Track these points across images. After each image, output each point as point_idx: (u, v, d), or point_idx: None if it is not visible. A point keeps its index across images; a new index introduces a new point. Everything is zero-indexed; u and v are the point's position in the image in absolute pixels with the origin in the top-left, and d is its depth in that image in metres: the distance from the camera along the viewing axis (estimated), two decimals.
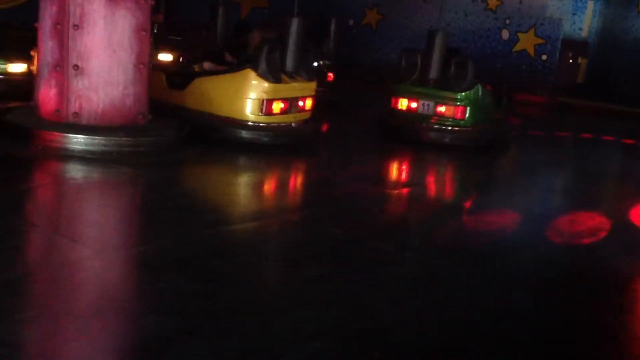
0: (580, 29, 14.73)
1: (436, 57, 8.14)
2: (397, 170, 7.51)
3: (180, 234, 4.29)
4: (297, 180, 6.13)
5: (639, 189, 7.68)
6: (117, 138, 6.01)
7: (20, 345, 2.85)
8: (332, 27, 10.36)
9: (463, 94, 8.07)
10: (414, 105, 8.16)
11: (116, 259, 3.86)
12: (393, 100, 8.31)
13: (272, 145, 6.86)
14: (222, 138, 6.81)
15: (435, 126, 8.08)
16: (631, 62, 14.59)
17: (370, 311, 3.46)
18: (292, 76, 7.08)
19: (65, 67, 6.10)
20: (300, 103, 7.14)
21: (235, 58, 7.43)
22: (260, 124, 6.82)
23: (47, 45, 6.18)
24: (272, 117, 6.86)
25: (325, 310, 3.41)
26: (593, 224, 5.62)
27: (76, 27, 6.03)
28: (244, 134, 6.80)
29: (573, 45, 14.53)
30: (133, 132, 6.20)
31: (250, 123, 6.80)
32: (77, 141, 5.91)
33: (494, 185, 7.02)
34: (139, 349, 2.91)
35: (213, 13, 8.93)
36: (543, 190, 7.03)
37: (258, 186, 6.06)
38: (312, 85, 7.33)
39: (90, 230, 4.34)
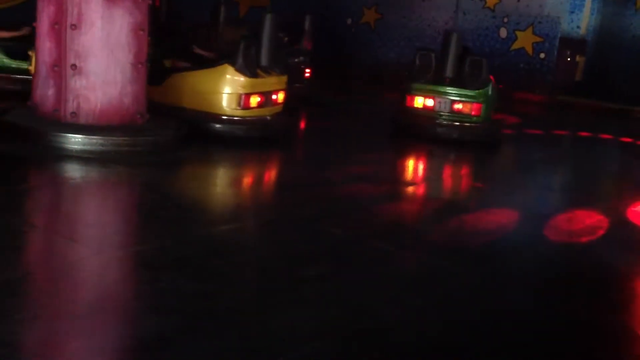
0: (578, 27, 14.72)
1: (452, 56, 8.43)
2: (405, 168, 7.52)
3: (179, 234, 4.28)
4: (296, 180, 6.12)
5: (638, 187, 7.68)
6: (115, 138, 6.00)
7: (20, 345, 2.84)
8: (307, 23, 10.36)
9: (479, 91, 8.32)
10: (430, 103, 8.35)
11: (115, 259, 3.85)
12: (408, 98, 8.46)
13: (249, 139, 7.02)
14: (200, 133, 6.90)
15: (451, 123, 8.30)
16: (629, 60, 14.59)
17: (370, 311, 3.46)
18: (267, 70, 7.27)
19: (63, 66, 6.09)
20: (274, 97, 7.32)
21: (208, 53, 7.55)
22: (238, 118, 6.97)
23: (45, 45, 6.17)
24: (250, 110, 7.02)
25: (324, 310, 3.40)
26: (592, 222, 5.62)
27: (74, 26, 6.02)
28: (222, 128, 6.92)
29: (571, 43, 14.51)
30: (131, 132, 6.19)
31: (228, 117, 6.93)
32: (75, 141, 5.89)
33: (494, 184, 7.01)
34: (139, 349, 2.90)
35: (214, 12, 8.92)
36: (542, 189, 7.03)
37: (257, 185, 6.06)
38: (284, 79, 7.54)
39: (89, 230, 4.33)
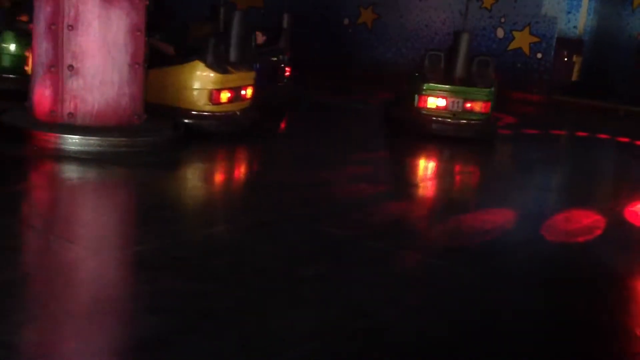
0: (575, 27, 14.74)
1: (463, 56, 8.66)
2: (411, 167, 7.53)
3: (177, 234, 4.28)
4: (295, 180, 6.11)
5: (635, 187, 7.69)
6: (112, 138, 5.99)
7: (18, 346, 2.83)
8: (285, 22, 10.37)
9: (489, 89, 8.55)
10: (442, 103, 8.48)
11: (113, 260, 3.85)
12: (421, 99, 8.53)
13: (218, 134, 7.13)
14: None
15: (462, 121, 8.51)
16: (626, 60, 14.60)
17: (369, 311, 3.46)
18: (236, 67, 7.41)
19: (60, 67, 6.08)
20: (243, 92, 7.47)
21: (167, 47, 7.65)
22: (208, 113, 7.08)
23: (41, 45, 6.15)
24: (219, 106, 7.15)
25: (323, 310, 3.40)
26: (590, 222, 5.62)
27: (71, 27, 6.01)
28: (192, 123, 6.96)
29: (568, 43, 14.53)
30: (128, 132, 6.18)
31: (198, 112, 7.01)
32: (73, 142, 5.89)
33: (493, 184, 7.01)
34: (138, 349, 2.90)
35: (213, 13, 8.91)
36: (540, 189, 7.03)
37: (255, 185, 6.05)
38: (252, 74, 7.69)
39: (87, 231, 4.32)
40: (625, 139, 10.69)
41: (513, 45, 14.49)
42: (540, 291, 4.05)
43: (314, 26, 16.34)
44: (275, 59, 9.79)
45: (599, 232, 5.37)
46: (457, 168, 7.84)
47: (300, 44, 16.12)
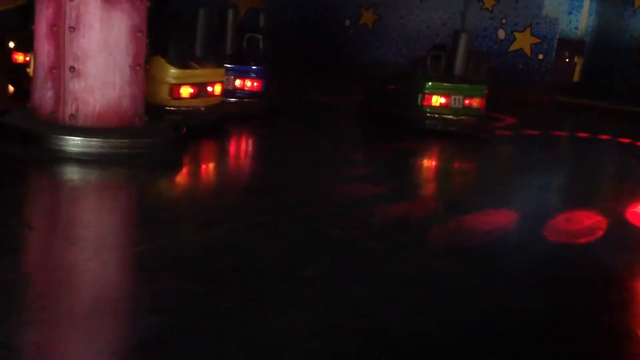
0: (577, 28, 14.74)
1: (461, 55, 9.05)
2: (410, 166, 7.53)
3: (177, 235, 4.29)
4: (295, 179, 6.12)
5: (636, 187, 7.69)
6: (113, 140, 6.00)
7: (19, 347, 2.84)
8: (262, 21, 10.37)
9: (485, 86, 9.05)
10: (443, 100, 8.85)
11: (114, 260, 3.86)
12: (426, 97, 8.82)
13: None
14: None
15: (461, 118, 8.91)
16: (627, 60, 14.60)
17: (369, 310, 3.46)
18: (201, 63, 7.51)
19: (61, 69, 6.09)
20: (210, 88, 7.55)
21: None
22: (172, 108, 7.18)
23: (43, 47, 6.17)
24: (182, 101, 7.25)
25: (323, 310, 3.40)
26: (591, 223, 5.62)
27: (72, 29, 6.02)
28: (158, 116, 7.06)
29: (569, 44, 14.54)
30: (129, 134, 6.19)
31: (161, 107, 7.12)
32: (74, 143, 5.89)
33: (494, 184, 7.01)
34: (138, 350, 2.90)
35: (222, 17, 8.91)
36: (540, 189, 7.03)
37: (256, 185, 6.05)
38: (221, 71, 7.78)
39: (88, 232, 4.33)
40: (627, 140, 10.69)
41: (514, 47, 14.50)
42: (541, 291, 4.06)
43: (315, 27, 16.36)
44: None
45: (600, 232, 5.37)
46: (458, 168, 7.84)
47: (301, 45, 16.16)
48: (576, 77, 14.94)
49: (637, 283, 4.53)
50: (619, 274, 4.49)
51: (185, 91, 7.27)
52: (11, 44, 8.75)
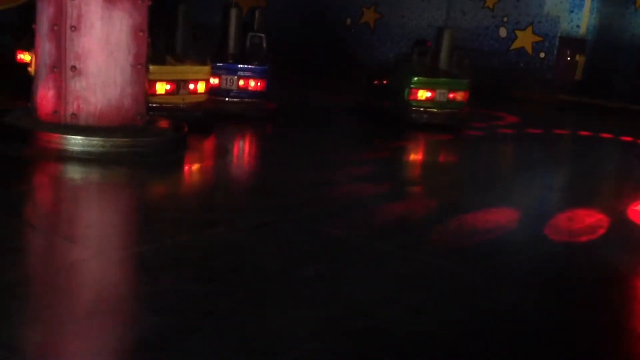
0: (578, 26, 14.73)
1: (445, 51, 9.42)
2: (405, 162, 7.53)
3: (178, 235, 4.29)
4: (294, 179, 6.12)
5: (637, 186, 7.68)
6: (115, 139, 6.01)
7: (19, 347, 2.85)
8: (256, 19, 10.35)
9: (468, 80, 9.42)
10: (428, 94, 9.21)
11: (115, 260, 3.86)
12: (413, 91, 9.18)
13: None
14: None
15: (444, 111, 9.30)
16: (629, 59, 14.59)
17: (369, 311, 3.46)
18: (180, 59, 7.49)
19: (62, 68, 6.10)
20: (191, 86, 7.53)
21: None
22: (151, 104, 7.10)
23: (44, 46, 6.17)
24: (157, 97, 7.22)
25: (324, 310, 3.41)
26: (592, 221, 5.62)
27: (73, 28, 6.03)
28: None
29: (571, 42, 14.53)
30: (131, 133, 6.20)
31: None
32: (75, 142, 5.90)
33: (495, 183, 7.01)
34: (139, 350, 2.91)
35: (224, 16, 8.91)
36: (542, 188, 7.03)
37: (256, 185, 6.06)
38: (205, 69, 7.75)
39: (89, 232, 4.34)
40: (629, 138, 10.69)
41: (516, 45, 14.49)
42: (541, 291, 4.06)
43: (316, 26, 16.35)
44: None
45: (601, 231, 5.37)
46: (458, 167, 7.84)
47: (302, 43, 16.16)
48: (577, 75, 14.93)
49: (638, 282, 4.53)
50: (621, 273, 4.49)
51: (161, 87, 7.26)
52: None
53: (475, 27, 14.76)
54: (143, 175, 5.78)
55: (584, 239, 5.17)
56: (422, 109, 9.20)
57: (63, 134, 5.93)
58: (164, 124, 6.71)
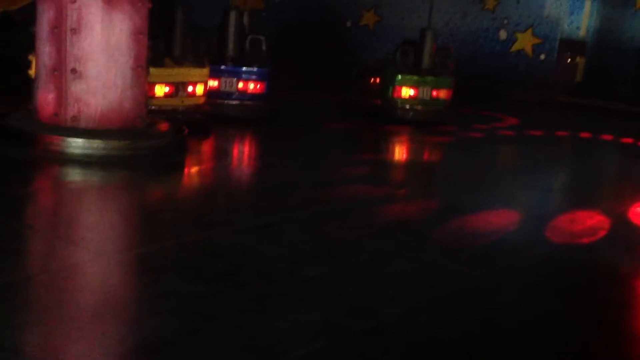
0: (578, 28, 14.74)
1: (428, 49, 9.81)
2: (402, 160, 7.53)
3: (179, 236, 4.29)
4: (294, 180, 6.12)
5: (638, 187, 7.68)
6: (115, 141, 6.01)
7: (20, 349, 2.84)
8: (245, 20, 10.38)
9: (451, 78, 9.83)
10: (412, 92, 9.52)
11: (116, 262, 3.86)
12: (397, 89, 9.49)
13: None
14: None
15: (428, 108, 9.67)
16: (629, 61, 14.60)
17: (371, 311, 3.46)
18: (179, 62, 7.50)
19: (63, 71, 6.11)
20: (190, 88, 7.55)
21: None
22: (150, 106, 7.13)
23: (44, 49, 6.18)
24: (156, 99, 7.23)
25: (325, 310, 3.40)
26: (593, 223, 5.62)
27: (74, 31, 6.03)
28: None
29: (571, 44, 14.55)
30: (131, 136, 6.20)
31: None
32: (76, 145, 5.91)
33: (496, 184, 7.01)
34: (140, 351, 2.91)
35: (224, 18, 8.92)
36: (543, 190, 7.03)
37: (257, 186, 6.06)
38: (204, 71, 7.76)
39: (90, 234, 4.34)
40: (629, 140, 10.69)
41: (516, 47, 14.50)
42: (542, 291, 4.05)
43: (315, 28, 16.37)
44: None
45: (602, 232, 5.36)
46: (459, 168, 7.84)
47: (302, 46, 16.17)
48: (578, 77, 14.94)
49: (639, 283, 4.52)
50: (622, 274, 4.48)
51: (160, 90, 7.27)
52: None
53: (476, 29, 14.77)
54: (144, 177, 5.78)
55: (585, 240, 5.17)
56: (407, 106, 9.52)
57: (64, 136, 5.93)
58: (164, 126, 6.72)
